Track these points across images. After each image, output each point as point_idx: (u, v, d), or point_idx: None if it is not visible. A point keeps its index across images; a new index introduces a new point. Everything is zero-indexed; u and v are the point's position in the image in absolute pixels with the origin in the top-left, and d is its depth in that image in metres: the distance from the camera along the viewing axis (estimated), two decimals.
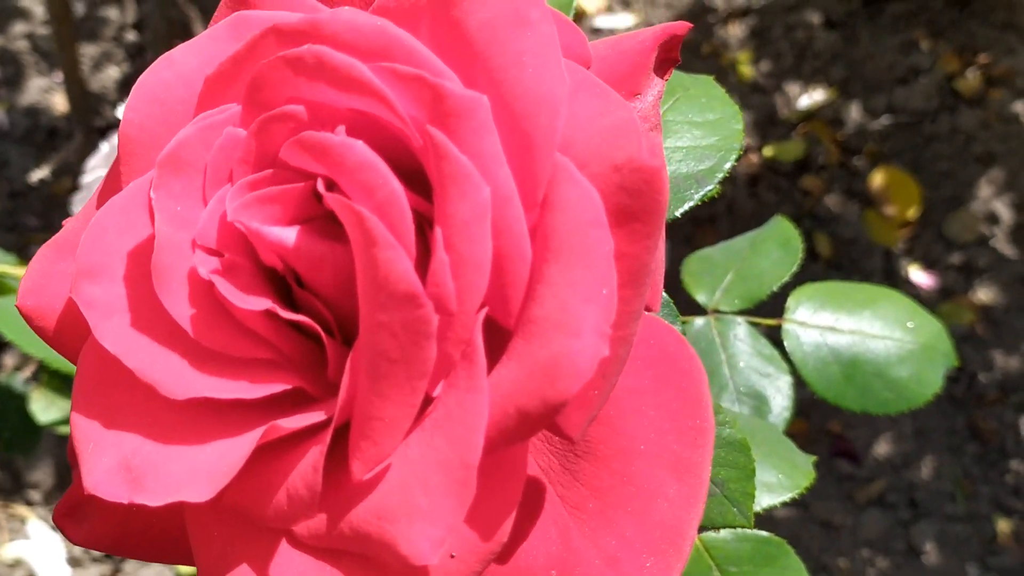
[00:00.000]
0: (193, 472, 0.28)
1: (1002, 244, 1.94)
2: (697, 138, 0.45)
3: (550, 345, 0.26)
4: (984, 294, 1.88)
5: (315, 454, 0.27)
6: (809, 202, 1.95)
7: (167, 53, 0.31)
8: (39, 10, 2.05)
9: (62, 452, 1.61)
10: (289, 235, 0.29)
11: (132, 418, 0.29)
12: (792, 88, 2.05)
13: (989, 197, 1.97)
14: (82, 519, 0.32)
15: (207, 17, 2.00)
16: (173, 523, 0.31)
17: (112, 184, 0.32)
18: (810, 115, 2.02)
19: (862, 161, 1.98)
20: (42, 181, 1.88)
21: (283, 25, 0.29)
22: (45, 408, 0.92)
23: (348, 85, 0.28)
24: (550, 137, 0.28)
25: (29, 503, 1.61)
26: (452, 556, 0.27)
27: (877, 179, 1.95)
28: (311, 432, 0.28)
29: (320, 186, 0.28)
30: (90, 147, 1.61)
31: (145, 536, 0.32)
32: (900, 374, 0.63)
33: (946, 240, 1.93)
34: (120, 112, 0.89)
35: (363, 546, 0.28)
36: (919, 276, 1.89)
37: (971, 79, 2.05)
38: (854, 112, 2.03)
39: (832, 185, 1.96)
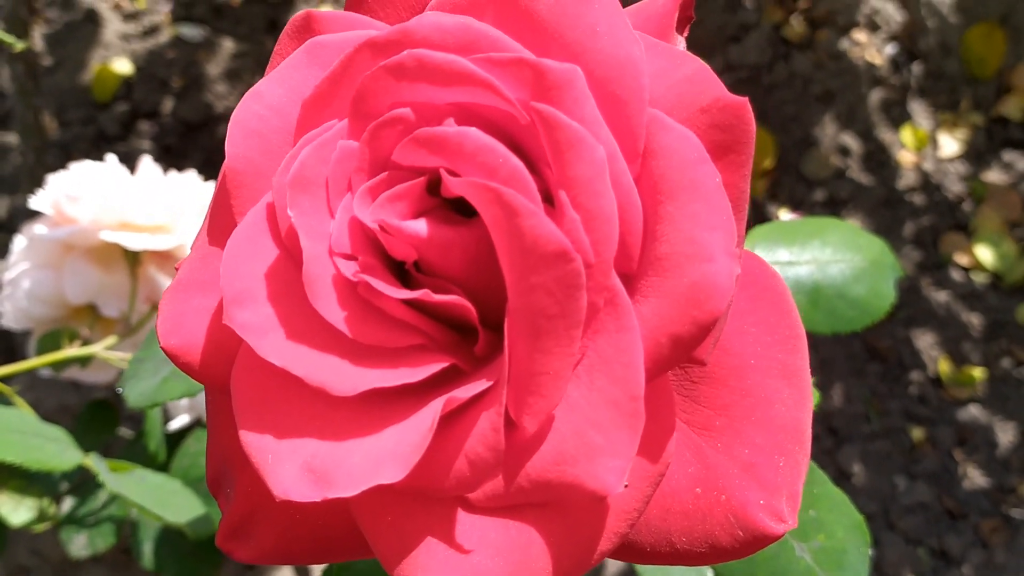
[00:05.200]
0: (376, 459, 0.29)
1: (857, 173, 2.03)
2: None
3: (688, 274, 0.29)
4: (852, 223, 1.96)
5: (492, 416, 0.29)
6: None
7: (253, 88, 0.33)
8: None
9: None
10: (422, 227, 0.31)
11: (302, 424, 0.30)
12: None
13: (836, 132, 2.07)
14: (246, 538, 0.34)
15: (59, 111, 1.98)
16: (336, 522, 0.33)
17: (222, 218, 0.33)
18: None
19: None
20: None
21: (376, 38, 0.31)
22: (14, 509, 0.91)
23: (451, 80, 0.30)
24: (639, 95, 0.30)
25: None
26: (626, 485, 0.30)
27: None
28: (475, 400, 0.30)
29: (444, 175, 0.30)
30: None
31: (310, 540, 0.33)
32: (859, 292, 0.67)
33: (806, 180, 2.02)
34: (32, 201, 0.90)
35: (544, 494, 0.30)
36: (788, 217, 1.96)
37: (796, 25, 2.14)
38: None
39: None
